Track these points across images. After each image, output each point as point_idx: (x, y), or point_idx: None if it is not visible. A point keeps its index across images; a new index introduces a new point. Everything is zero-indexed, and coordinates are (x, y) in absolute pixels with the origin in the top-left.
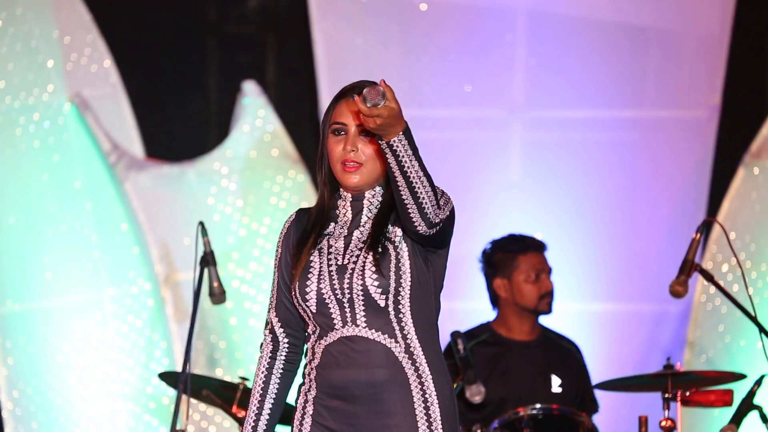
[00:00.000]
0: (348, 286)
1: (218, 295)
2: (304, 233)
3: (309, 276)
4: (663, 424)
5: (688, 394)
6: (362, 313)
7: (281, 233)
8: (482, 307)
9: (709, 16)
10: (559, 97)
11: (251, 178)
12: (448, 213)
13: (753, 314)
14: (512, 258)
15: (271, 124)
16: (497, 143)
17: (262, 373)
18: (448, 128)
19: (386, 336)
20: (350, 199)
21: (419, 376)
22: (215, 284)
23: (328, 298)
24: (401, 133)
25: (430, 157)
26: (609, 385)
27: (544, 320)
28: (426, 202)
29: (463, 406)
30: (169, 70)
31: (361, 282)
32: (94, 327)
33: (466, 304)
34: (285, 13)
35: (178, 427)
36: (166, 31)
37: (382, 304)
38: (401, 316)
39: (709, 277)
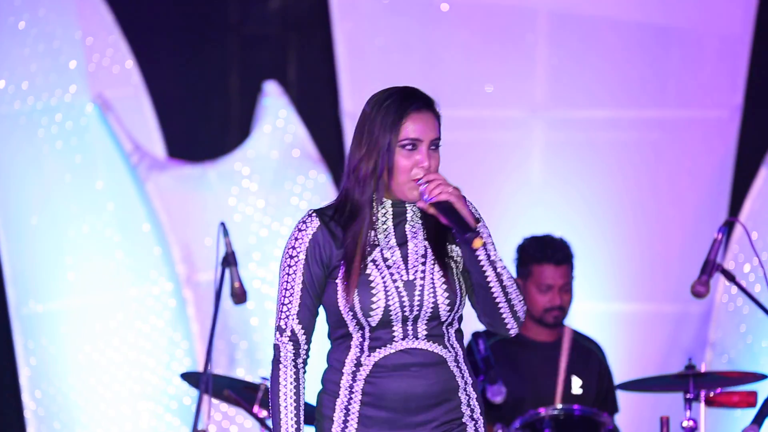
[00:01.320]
0: (419, 302)
1: (239, 296)
2: (352, 243)
3: (373, 290)
4: (685, 424)
5: (711, 395)
6: (424, 327)
7: (304, 238)
8: None
9: (730, 15)
10: (580, 97)
11: (272, 179)
12: None
13: None
14: (529, 263)
15: (292, 125)
16: (519, 143)
17: (291, 384)
18: (469, 128)
19: (441, 347)
20: (391, 208)
21: (465, 383)
22: (236, 284)
23: (395, 313)
24: (481, 226)
25: (451, 158)
26: (631, 386)
27: (568, 320)
28: (515, 301)
29: (484, 405)
30: (190, 71)
31: (433, 299)
32: (116, 327)
33: None
34: (306, 13)
35: (199, 428)
36: (187, 32)
37: (445, 318)
38: (450, 327)
39: (731, 278)
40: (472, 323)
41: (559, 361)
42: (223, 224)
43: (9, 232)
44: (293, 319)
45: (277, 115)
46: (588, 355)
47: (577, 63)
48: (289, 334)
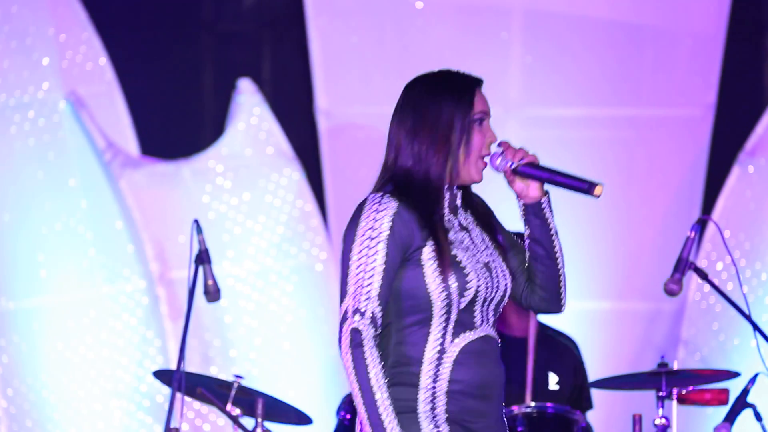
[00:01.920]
0: (496, 285)
1: (213, 293)
2: (440, 223)
3: (464, 270)
4: (657, 422)
5: (683, 392)
6: (491, 312)
7: (384, 218)
8: None
9: (704, 14)
10: (554, 96)
11: (246, 176)
12: None
13: (747, 312)
14: None
15: (266, 122)
16: None
17: (380, 365)
18: None
19: (495, 333)
20: (448, 191)
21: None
22: (210, 282)
23: (481, 295)
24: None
25: None
26: (604, 384)
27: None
28: (563, 278)
29: None
30: (164, 68)
31: (505, 283)
32: (88, 325)
33: None
34: (280, 10)
35: (172, 426)
36: (161, 29)
37: (503, 303)
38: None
39: (703, 276)
40: None
41: (535, 357)
42: (196, 222)
43: None
44: (374, 302)
45: (251, 112)
46: (563, 351)
47: (551, 62)
48: (369, 316)
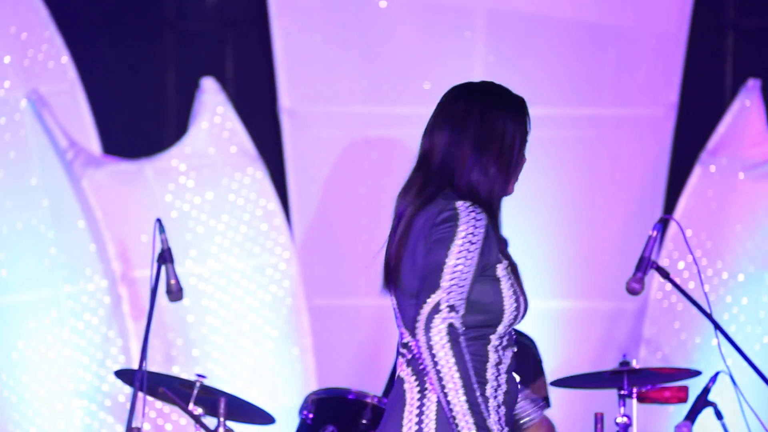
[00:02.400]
0: (525, 306)
1: (175, 293)
2: (503, 242)
3: (524, 291)
4: (618, 420)
5: (644, 391)
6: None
7: (481, 228)
8: None
9: (666, 14)
10: None
11: (209, 176)
12: None
13: (708, 311)
14: None
15: (229, 121)
16: None
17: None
18: (407, 126)
19: None
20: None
21: None
22: (172, 281)
23: (521, 315)
24: None
25: (390, 156)
26: (565, 382)
27: None
28: None
29: None
30: (126, 67)
31: (527, 304)
32: (50, 324)
33: None
34: (243, 9)
35: (134, 425)
36: (124, 28)
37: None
38: None
39: (665, 275)
40: None
41: None
42: (159, 221)
43: None
44: (464, 304)
45: (214, 111)
46: (524, 351)
47: (514, 61)
48: (461, 314)
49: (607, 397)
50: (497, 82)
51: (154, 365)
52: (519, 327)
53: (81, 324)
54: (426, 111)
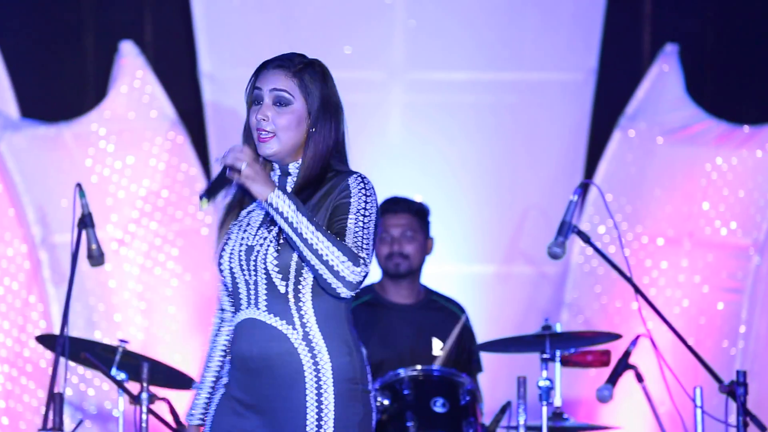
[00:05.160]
0: (254, 267)
1: (96, 258)
2: (230, 207)
3: (224, 251)
4: (541, 384)
5: (566, 354)
6: (264, 297)
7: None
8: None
9: None
10: (438, 60)
11: (130, 140)
12: (368, 269)
13: (629, 275)
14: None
15: (149, 85)
16: (377, 105)
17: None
18: None
19: (284, 322)
20: (278, 172)
21: (315, 364)
22: (93, 246)
23: (239, 276)
24: (276, 189)
25: None
26: (489, 347)
27: (428, 282)
28: (334, 261)
29: None
30: (44, 29)
31: (264, 265)
32: None
33: None
34: None
35: (56, 391)
36: None
37: (282, 289)
38: (301, 303)
39: (586, 239)
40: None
41: (420, 322)
42: (79, 185)
43: None
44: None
45: (134, 75)
46: (449, 317)
47: (434, 25)
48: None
49: (529, 360)
50: (418, 46)
51: (75, 330)
52: (447, 292)
53: (1, 289)
54: (347, 75)
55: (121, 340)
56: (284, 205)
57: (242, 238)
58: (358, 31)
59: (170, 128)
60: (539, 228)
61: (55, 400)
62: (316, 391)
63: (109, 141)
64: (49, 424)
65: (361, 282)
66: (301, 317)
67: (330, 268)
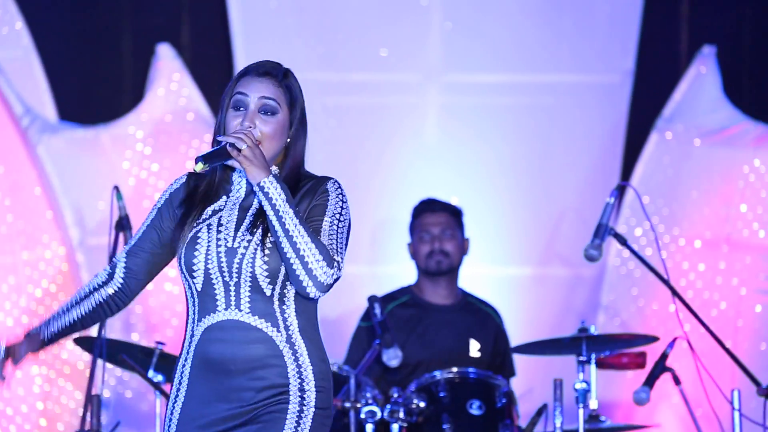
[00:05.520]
0: (237, 270)
1: None
2: (191, 203)
3: (196, 251)
4: (577, 386)
5: (603, 357)
6: (247, 299)
7: (169, 189)
8: (402, 271)
9: None
10: (474, 62)
11: (166, 142)
12: (340, 274)
13: (666, 278)
14: (413, 220)
15: (186, 88)
16: (413, 108)
17: (83, 290)
18: (363, 93)
19: (269, 324)
20: (245, 175)
21: (299, 367)
22: None
23: (215, 278)
24: (271, 176)
25: (347, 122)
26: (525, 349)
27: (463, 284)
28: (310, 258)
29: (381, 369)
30: (82, 33)
31: (251, 269)
32: (7, 292)
33: (387, 268)
34: None
35: (93, 392)
36: None
37: (268, 292)
38: (285, 306)
39: (622, 241)
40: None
41: (457, 324)
42: (116, 188)
43: None
44: (123, 254)
45: (170, 78)
46: (485, 319)
47: (470, 27)
48: (113, 264)
49: (566, 363)
50: (454, 48)
51: (113, 332)
52: (483, 295)
53: (39, 291)
54: (383, 77)
55: (158, 342)
56: (275, 192)
57: (218, 239)
58: (394, 34)
59: (206, 130)
60: (576, 230)
61: (92, 402)
62: (300, 395)
63: (146, 143)
64: (87, 426)
65: (331, 285)
66: (284, 320)
67: (305, 265)
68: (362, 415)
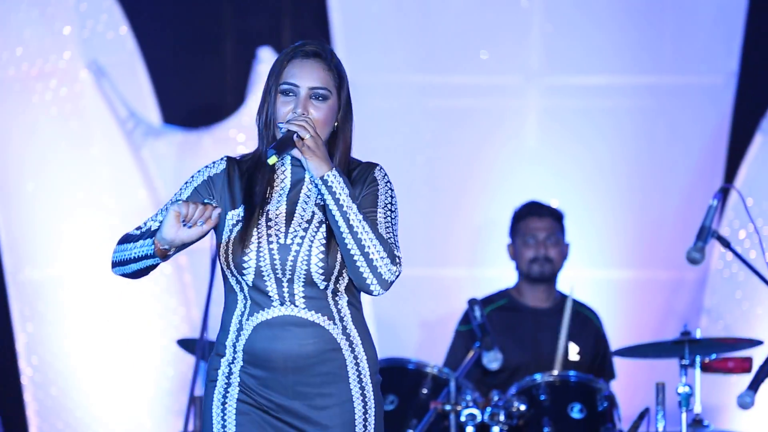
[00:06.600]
0: (291, 267)
1: None
2: (248, 197)
3: (247, 249)
4: (680, 390)
5: (707, 360)
6: (302, 294)
7: (207, 170)
8: (501, 274)
9: None
10: (575, 64)
11: None
12: (401, 269)
13: None
14: (516, 223)
15: None
16: (513, 110)
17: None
18: (464, 95)
19: (325, 318)
20: (290, 164)
21: (355, 357)
22: None
23: (267, 274)
24: (334, 169)
25: (447, 125)
26: (627, 352)
27: (564, 287)
28: (375, 255)
29: (480, 372)
30: (185, 37)
31: (306, 266)
32: (112, 294)
33: (486, 271)
34: None
35: (196, 394)
36: None
37: (322, 287)
38: (338, 298)
39: (726, 244)
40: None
41: (556, 327)
42: None
43: (5, 199)
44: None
45: None
46: (585, 322)
47: (572, 29)
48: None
49: (668, 367)
50: (554, 50)
51: (215, 334)
52: (584, 298)
53: (142, 293)
54: (483, 80)
55: None
56: (339, 186)
57: (269, 235)
58: (494, 36)
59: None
60: (678, 233)
61: (195, 404)
62: (359, 385)
63: (248, 146)
64: (190, 427)
65: (393, 282)
66: (338, 311)
67: (369, 262)
68: (462, 418)
